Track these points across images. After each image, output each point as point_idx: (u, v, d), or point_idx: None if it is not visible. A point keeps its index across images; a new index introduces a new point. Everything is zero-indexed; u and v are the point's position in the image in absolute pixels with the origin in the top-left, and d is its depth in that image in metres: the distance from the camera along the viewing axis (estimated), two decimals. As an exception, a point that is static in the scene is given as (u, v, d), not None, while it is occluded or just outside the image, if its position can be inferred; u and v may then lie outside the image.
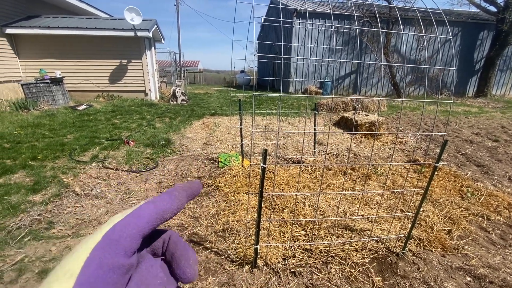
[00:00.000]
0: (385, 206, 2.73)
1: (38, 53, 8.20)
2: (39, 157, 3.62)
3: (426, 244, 2.21)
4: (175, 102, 9.31)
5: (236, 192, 2.93)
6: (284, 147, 4.46)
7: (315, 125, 3.65)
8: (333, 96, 1.51)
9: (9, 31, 7.60)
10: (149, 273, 0.22)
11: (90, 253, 0.18)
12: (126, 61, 8.68)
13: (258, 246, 1.79)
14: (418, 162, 3.76)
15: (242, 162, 3.59)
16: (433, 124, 6.50)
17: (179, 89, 9.73)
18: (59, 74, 7.17)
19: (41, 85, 6.41)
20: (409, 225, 2.42)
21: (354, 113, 5.64)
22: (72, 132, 4.83)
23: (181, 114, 7.02)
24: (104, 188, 2.93)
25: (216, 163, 3.82)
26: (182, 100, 9.51)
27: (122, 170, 3.40)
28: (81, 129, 5.03)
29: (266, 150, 1.52)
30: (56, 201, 2.63)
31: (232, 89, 17.75)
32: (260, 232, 1.79)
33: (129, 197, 2.79)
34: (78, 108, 6.62)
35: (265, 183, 3.17)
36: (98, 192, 2.82)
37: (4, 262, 1.88)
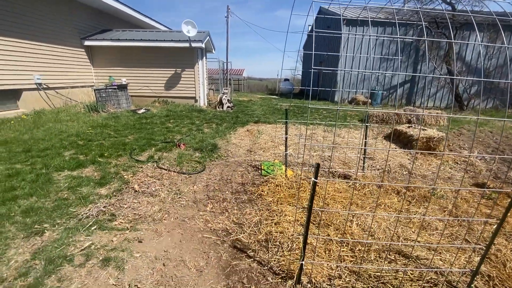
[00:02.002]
0: (446, 234, 2.44)
1: (107, 62, 9.35)
2: (105, 155, 4.09)
3: (497, 283, 1.91)
4: (221, 109, 9.73)
5: (279, 202, 2.92)
6: (330, 159, 4.31)
7: (365, 138, 3.46)
8: (396, 111, 1.42)
9: (87, 43, 8.84)
10: None
11: None
12: (180, 70, 9.38)
13: (303, 262, 1.75)
14: (490, 188, 3.30)
15: (285, 172, 3.57)
16: (505, 143, 5.65)
17: (226, 96, 10.15)
18: (125, 81, 8.07)
19: (110, 90, 7.28)
20: (476, 258, 2.13)
21: (409, 127, 5.21)
22: (132, 133, 5.36)
23: (226, 120, 7.29)
24: (158, 187, 3.17)
25: (259, 171, 3.86)
26: (228, 107, 9.89)
27: (174, 171, 3.64)
28: (140, 131, 5.55)
29: (318, 165, 1.49)
30: (118, 196, 2.93)
31: (275, 96, 17.90)
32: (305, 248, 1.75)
33: (180, 197, 2.97)
34: (138, 112, 7.33)
35: (303, 194, 3.09)
36: (153, 191, 3.07)
37: (75, 246, 2.15)
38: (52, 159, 3.81)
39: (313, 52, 1.43)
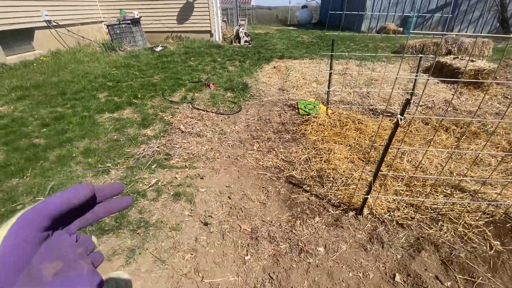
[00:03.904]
0: (501, 170, 2.43)
1: (113, -7, 8.45)
2: (139, 96, 4.05)
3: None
4: (238, 44, 9.05)
5: (324, 141, 2.92)
6: (369, 96, 4.12)
7: (417, 72, 3.20)
8: (458, 34, 1.23)
9: (87, -30, 7.85)
10: (59, 240, 0.26)
11: (8, 230, 0.23)
12: (192, -2, 8.43)
13: (369, 196, 1.82)
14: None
15: (326, 110, 3.48)
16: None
17: (242, 29, 9.31)
18: (137, 14, 7.41)
19: (123, 26, 6.76)
20: (532, 193, 2.16)
21: (455, 58, 4.74)
22: (157, 73, 5.19)
23: (249, 57, 6.86)
24: (202, 127, 3.20)
25: (296, 110, 3.78)
26: (245, 41, 9.17)
27: (212, 112, 3.62)
28: (164, 71, 5.35)
29: (408, 100, 1.40)
30: (166, 137, 3.00)
31: (292, 28, 16.38)
32: (363, 184, 1.79)
33: (225, 137, 3.02)
34: (156, 50, 6.95)
35: (349, 133, 3.05)
36: (198, 131, 3.10)
37: (143, 183, 2.30)
38: (89, 101, 3.82)
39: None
